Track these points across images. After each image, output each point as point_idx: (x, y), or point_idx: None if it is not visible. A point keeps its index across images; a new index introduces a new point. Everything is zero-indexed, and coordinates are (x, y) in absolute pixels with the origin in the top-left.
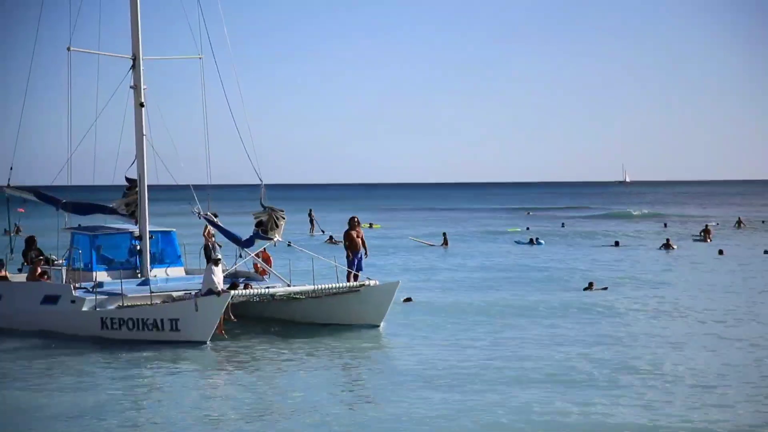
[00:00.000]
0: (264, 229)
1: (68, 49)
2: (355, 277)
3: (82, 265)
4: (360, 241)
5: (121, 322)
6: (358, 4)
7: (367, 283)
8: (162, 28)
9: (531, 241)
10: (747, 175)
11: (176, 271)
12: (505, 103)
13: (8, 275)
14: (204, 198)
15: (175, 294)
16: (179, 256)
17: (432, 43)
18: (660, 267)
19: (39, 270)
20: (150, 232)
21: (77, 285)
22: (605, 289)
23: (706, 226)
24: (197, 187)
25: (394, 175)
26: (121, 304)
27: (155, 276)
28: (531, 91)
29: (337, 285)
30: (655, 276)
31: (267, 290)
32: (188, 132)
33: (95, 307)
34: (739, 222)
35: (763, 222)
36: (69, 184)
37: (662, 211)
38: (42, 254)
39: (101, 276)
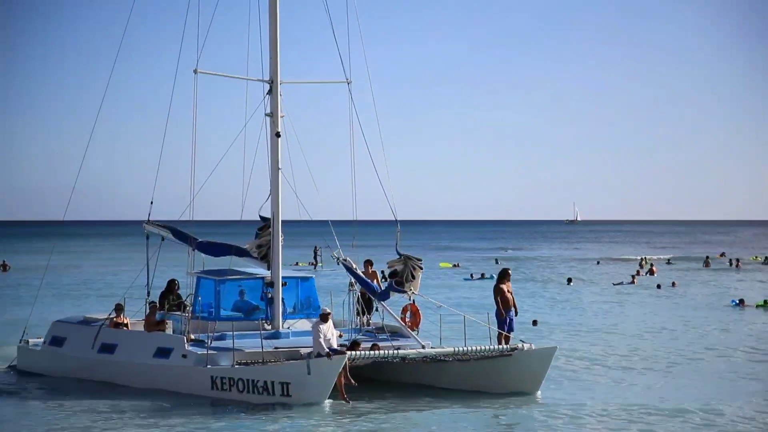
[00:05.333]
0: (399, 280)
1: (195, 71)
2: (507, 339)
3: (205, 313)
4: (511, 298)
5: (231, 383)
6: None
7: (520, 346)
8: (295, 49)
9: (482, 276)
10: (702, 216)
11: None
12: (455, 140)
13: (129, 322)
14: (344, 232)
15: (303, 351)
16: (318, 307)
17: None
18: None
19: (155, 317)
20: (284, 278)
21: (194, 337)
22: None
23: (652, 265)
24: (335, 223)
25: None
26: (233, 362)
27: (288, 328)
28: (481, 128)
29: (486, 348)
30: None
31: (396, 351)
32: (318, 161)
33: (206, 364)
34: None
35: (668, 262)
36: (191, 218)
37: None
38: (181, 299)
39: (225, 326)
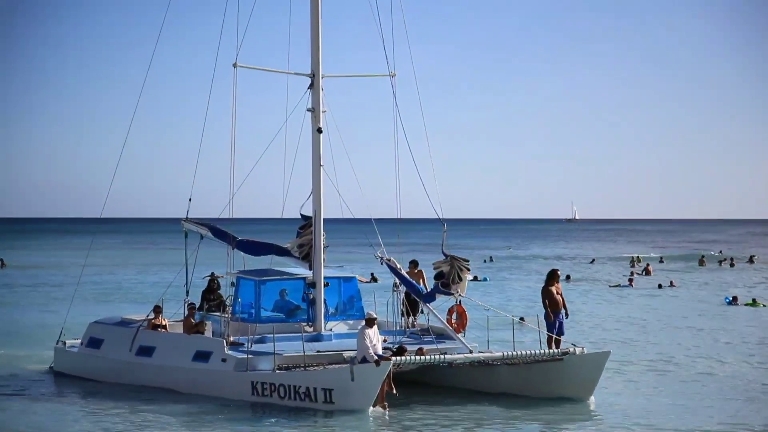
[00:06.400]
0: (445, 282)
1: (234, 65)
2: (557, 343)
3: (245, 314)
4: (561, 299)
5: (273, 389)
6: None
7: (571, 350)
8: (335, 42)
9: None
10: (699, 215)
11: (357, 325)
12: (453, 138)
13: (167, 323)
14: (387, 231)
15: (346, 354)
16: (361, 308)
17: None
18: None
19: (192, 319)
20: (326, 278)
21: (233, 339)
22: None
23: (647, 264)
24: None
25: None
26: (273, 367)
27: (331, 330)
28: (479, 126)
29: (536, 352)
30: None
31: (442, 356)
32: (359, 157)
33: (246, 368)
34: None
35: (660, 260)
36: (230, 216)
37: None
38: (221, 297)
39: (265, 329)
